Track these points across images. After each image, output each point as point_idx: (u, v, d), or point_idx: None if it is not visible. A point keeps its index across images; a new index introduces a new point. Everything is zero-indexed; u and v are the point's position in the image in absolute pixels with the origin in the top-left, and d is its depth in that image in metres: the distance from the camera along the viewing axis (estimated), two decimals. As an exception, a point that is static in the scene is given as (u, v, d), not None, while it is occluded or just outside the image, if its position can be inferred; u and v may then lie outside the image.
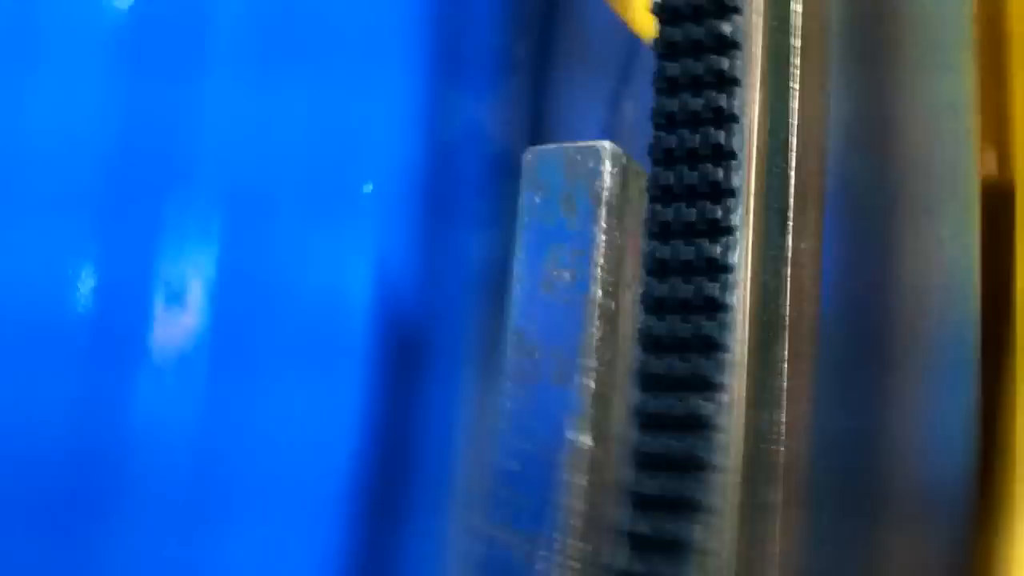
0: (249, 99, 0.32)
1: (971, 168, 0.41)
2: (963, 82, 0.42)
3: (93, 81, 0.29)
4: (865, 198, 0.44)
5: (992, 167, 0.41)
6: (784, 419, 0.32)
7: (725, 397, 0.30)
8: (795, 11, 0.35)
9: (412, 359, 0.36)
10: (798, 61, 0.34)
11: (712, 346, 0.30)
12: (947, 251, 0.41)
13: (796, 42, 0.35)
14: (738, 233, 0.31)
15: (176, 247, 0.30)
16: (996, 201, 0.40)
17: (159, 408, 0.30)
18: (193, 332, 0.31)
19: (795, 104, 0.34)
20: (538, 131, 0.46)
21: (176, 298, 0.30)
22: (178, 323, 0.30)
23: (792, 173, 0.34)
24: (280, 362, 0.33)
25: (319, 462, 0.34)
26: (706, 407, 0.30)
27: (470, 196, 0.38)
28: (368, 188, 0.34)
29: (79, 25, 0.29)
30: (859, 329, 0.42)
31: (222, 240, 0.31)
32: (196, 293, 0.30)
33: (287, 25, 0.33)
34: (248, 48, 0.32)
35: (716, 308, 0.30)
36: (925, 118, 0.43)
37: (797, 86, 0.34)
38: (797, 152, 0.34)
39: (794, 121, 0.34)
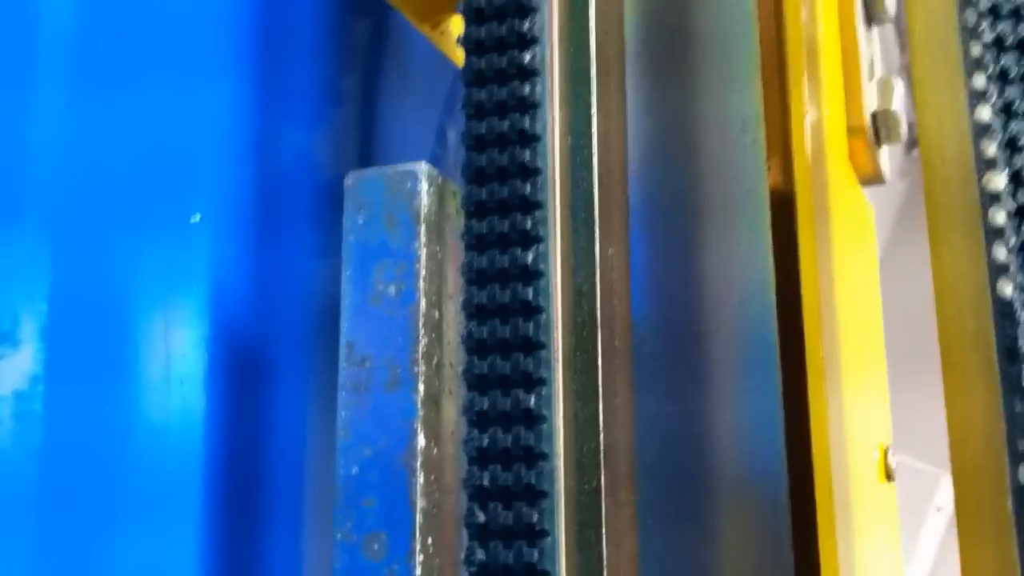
0: (74, 133, 0.33)
1: (760, 177, 0.45)
2: (751, 97, 0.46)
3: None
4: (668, 206, 0.47)
5: (777, 176, 0.45)
6: (602, 409, 0.35)
7: (545, 390, 0.33)
8: (591, 40, 0.38)
9: (252, 380, 0.38)
10: (595, 85, 0.38)
11: (530, 345, 0.33)
12: (743, 251, 0.45)
13: (593, 68, 0.38)
14: (548, 241, 0.34)
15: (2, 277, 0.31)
16: (782, 208, 0.44)
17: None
18: (22, 359, 0.31)
19: (595, 123, 0.37)
20: (368, 159, 0.48)
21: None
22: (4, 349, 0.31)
23: (596, 186, 0.37)
24: (112, 388, 0.34)
25: (167, 486, 0.35)
26: (528, 400, 0.32)
27: (301, 222, 0.39)
28: (196, 218, 0.36)
29: None
30: (671, 325, 0.46)
31: (51, 271, 0.32)
32: (24, 322, 0.31)
33: (112, 60, 0.34)
34: (72, 85, 0.33)
35: (532, 310, 0.33)
36: (719, 131, 0.47)
37: (595, 108, 0.37)
38: (600, 167, 0.37)
39: (595, 139, 0.37)
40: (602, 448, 0.35)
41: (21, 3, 0.32)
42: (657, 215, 0.47)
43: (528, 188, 0.34)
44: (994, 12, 0.34)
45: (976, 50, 0.33)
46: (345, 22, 0.47)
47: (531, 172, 0.34)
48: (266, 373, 0.38)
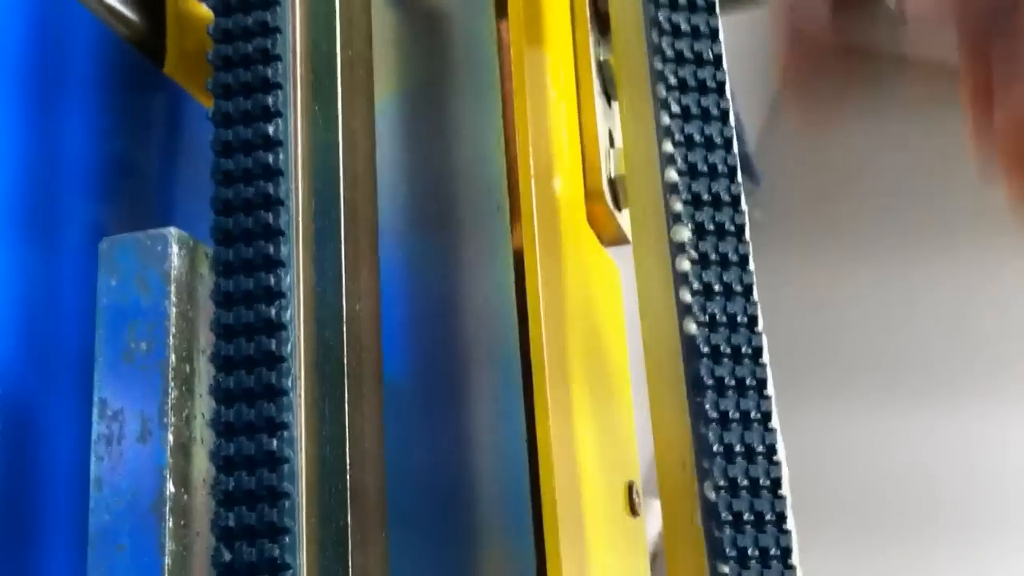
0: None
1: (505, 238, 0.50)
2: (495, 167, 0.51)
3: None
4: (426, 265, 0.51)
5: (519, 237, 0.50)
6: (349, 452, 0.38)
7: (287, 434, 0.35)
8: (338, 112, 0.41)
9: (16, 433, 0.39)
10: (341, 154, 0.41)
11: (274, 391, 0.35)
12: (491, 306, 0.49)
13: (339, 138, 0.41)
14: (291, 297, 0.37)
15: None
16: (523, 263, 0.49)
17: None
18: None
19: (342, 187, 0.41)
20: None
21: None
22: None
23: (343, 245, 0.40)
24: None
25: None
26: (271, 443, 0.35)
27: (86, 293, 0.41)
28: None
29: None
30: (427, 375, 0.49)
31: None
32: None
33: None
34: None
35: (275, 360, 0.36)
36: (468, 198, 0.51)
37: (342, 171, 0.41)
38: (346, 228, 0.40)
39: (342, 203, 0.40)
40: (349, 488, 0.38)
41: None
42: (413, 272, 0.50)
43: (271, 248, 0.37)
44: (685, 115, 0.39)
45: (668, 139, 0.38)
46: (132, 97, 0.49)
47: (275, 233, 0.37)
48: (38, 429, 0.39)
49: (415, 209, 0.52)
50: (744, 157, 0.41)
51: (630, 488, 0.57)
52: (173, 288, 0.36)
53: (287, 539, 0.34)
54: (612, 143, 0.60)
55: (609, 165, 0.58)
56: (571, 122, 0.56)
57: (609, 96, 0.61)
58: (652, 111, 0.40)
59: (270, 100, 0.38)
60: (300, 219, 0.38)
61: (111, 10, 0.48)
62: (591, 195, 0.56)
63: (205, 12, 0.54)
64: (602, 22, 0.61)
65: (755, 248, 0.39)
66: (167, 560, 0.35)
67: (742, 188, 0.40)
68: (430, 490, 0.48)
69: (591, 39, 0.58)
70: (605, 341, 0.57)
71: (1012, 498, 1.97)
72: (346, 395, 0.39)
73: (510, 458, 0.48)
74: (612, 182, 0.58)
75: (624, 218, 0.60)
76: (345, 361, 0.39)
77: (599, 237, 0.58)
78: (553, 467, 0.42)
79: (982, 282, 2.13)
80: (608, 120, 0.60)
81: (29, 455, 0.39)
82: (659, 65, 0.40)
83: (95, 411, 0.36)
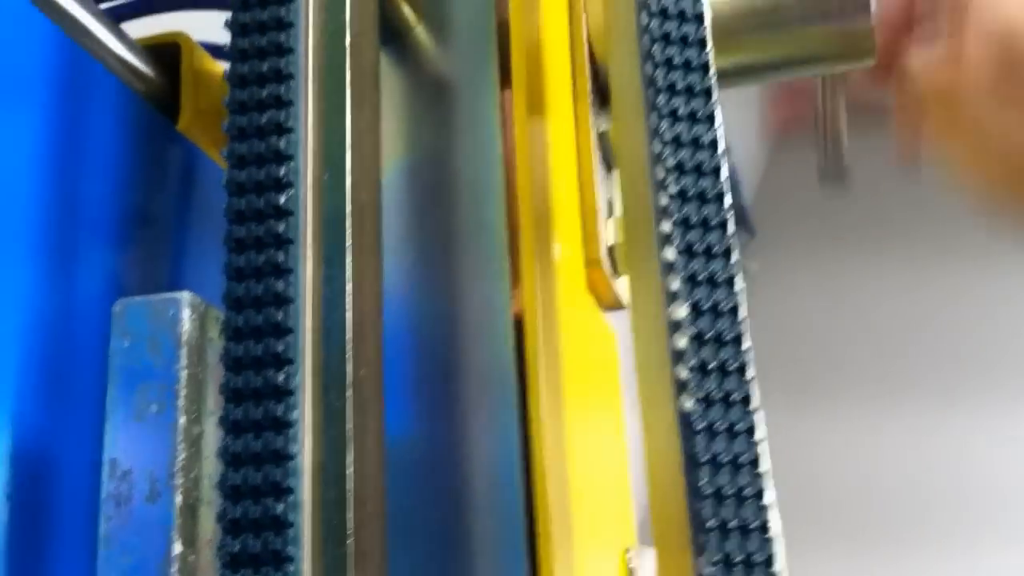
0: None
1: (505, 302, 0.51)
2: (497, 235, 0.52)
3: None
4: (429, 331, 0.52)
5: (519, 304, 0.51)
6: (352, 517, 0.39)
7: (292, 498, 0.36)
8: (347, 183, 0.43)
9: (34, 495, 0.39)
10: (349, 223, 0.42)
11: (280, 456, 0.36)
12: (492, 374, 0.50)
13: (347, 206, 0.43)
14: (299, 363, 0.38)
15: None
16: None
17: None
18: None
19: (349, 256, 0.42)
20: (175, 283, 0.50)
21: None
22: None
23: (348, 312, 0.41)
24: None
25: None
26: (277, 508, 0.36)
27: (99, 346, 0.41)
28: None
29: None
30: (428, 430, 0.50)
31: None
32: None
33: None
34: None
35: (282, 425, 0.37)
36: (471, 264, 0.53)
37: (349, 241, 0.42)
38: (353, 295, 0.41)
39: (348, 269, 0.42)
40: (352, 552, 0.39)
41: None
42: (416, 338, 0.52)
43: (281, 315, 0.38)
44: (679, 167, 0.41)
45: (664, 199, 0.40)
46: (148, 153, 0.50)
47: (284, 301, 0.38)
48: (55, 488, 0.40)
49: (419, 274, 0.54)
50: (739, 210, 0.42)
51: (624, 551, 0.57)
52: (184, 352, 0.37)
53: (290, 601, 0.35)
54: (611, 212, 0.62)
55: (607, 233, 0.59)
56: (571, 190, 0.57)
57: (609, 165, 0.62)
58: (651, 191, 0.41)
59: (282, 171, 0.39)
60: (310, 288, 0.39)
61: (129, 67, 0.50)
62: (590, 262, 0.57)
63: (220, 70, 0.55)
64: (602, 94, 0.62)
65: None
66: (172, 621, 0.35)
67: (738, 260, 0.41)
68: (426, 546, 0.49)
69: (591, 110, 0.59)
70: (603, 402, 0.58)
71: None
72: (349, 457, 0.40)
73: (508, 527, 0.48)
74: (611, 250, 0.59)
75: (621, 284, 0.61)
76: (350, 425, 0.40)
77: (598, 302, 0.59)
78: (552, 539, 0.43)
79: (974, 291, 2.18)
80: (607, 189, 0.62)
81: (44, 508, 0.40)
82: (657, 147, 0.41)
83: (105, 470, 0.37)
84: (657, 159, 0.40)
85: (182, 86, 0.53)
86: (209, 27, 0.58)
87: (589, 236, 0.57)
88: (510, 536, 0.48)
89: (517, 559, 0.47)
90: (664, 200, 0.40)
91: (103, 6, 0.53)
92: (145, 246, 0.49)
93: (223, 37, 0.53)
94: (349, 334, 0.41)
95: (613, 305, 0.62)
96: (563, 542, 0.44)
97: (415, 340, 0.52)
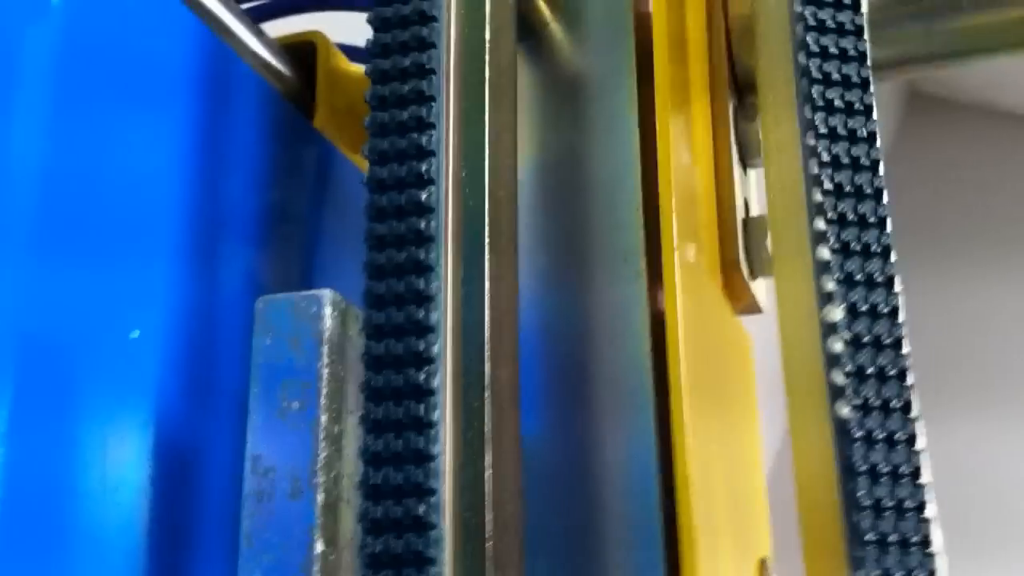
0: (32, 258, 0.35)
1: (642, 305, 0.50)
2: (633, 235, 0.51)
3: None
4: (560, 329, 0.51)
5: (659, 304, 0.50)
6: (492, 517, 0.38)
7: (434, 499, 0.35)
8: (485, 181, 0.42)
9: (184, 488, 0.40)
10: (487, 221, 0.42)
11: (421, 457, 0.36)
12: (626, 382, 0.49)
13: (485, 203, 0.42)
14: (439, 362, 0.37)
15: None
16: (662, 332, 0.48)
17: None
18: None
19: (486, 255, 0.41)
20: (309, 281, 0.51)
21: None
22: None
23: (487, 312, 0.40)
24: (52, 493, 0.35)
25: None
26: (418, 508, 0.35)
27: (240, 340, 0.42)
28: (135, 334, 0.38)
29: None
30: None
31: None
32: None
33: (68, 218, 0.37)
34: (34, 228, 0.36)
35: (423, 425, 0.36)
36: (606, 264, 0.51)
37: (487, 241, 0.41)
38: (490, 294, 0.41)
39: (487, 269, 0.41)
40: (491, 556, 0.38)
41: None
42: (548, 337, 0.51)
43: (422, 314, 0.37)
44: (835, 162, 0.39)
45: (818, 196, 0.38)
46: (287, 150, 0.51)
47: (425, 299, 0.37)
48: (198, 481, 0.40)
49: (552, 274, 0.53)
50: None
51: (762, 565, 0.55)
52: (326, 349, 0.37)
53: (432, 604, 0.34)
54: (748, 211, 0.60)
55: (745, 234, 0.57)
56: (708, 189, 0.55)
57: (744, 164, 0.60)
58: (803, 187, 0.39)
59: (424, 167, 0.39)
60: (449, 285, 0.38)
61: (268, 66, 0.50)
62: (727, 264, 0.55)
63: (355, 70, 0.55)
64: (739, 87, 0.61)
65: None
66: (314, 622, 0.35)
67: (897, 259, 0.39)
68: (563, 550, 0.48)
69: (730, 105, 0.58)
70: (739, 408, 0.56)
71: None
72: (488, 459, 0.39)
73: (644, 533, 0.47)
74: (747, 251, 0.57)
75: (758, 286, 0.59)
76: (489, 426, 0.39)
77: (734, 305, 0.57)
78: (696, 549, 0.41)
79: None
80: (744, 188, 0.60)
81: (189, 504, 0.40)
82: (811, 141, 0.40)
83: (248, 466, 0.37)
84: (812, 153, 0.39)
85: (317, 85, 0.54)
86: (337, 29, 0.59)
87: (726, 237, 0.55)
88: (646, 542, 0.46)
89: (655, 567, 0.45)
90: (818, 196, 0.38)
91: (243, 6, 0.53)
92: (283, 243, 0.49)
93: (353, 38, 0.53)
94: (487, 333, 0.40)
95: (750, 308, 0.60)
96: (707, 552, 0.43)
97: (547, 341, 0.51)
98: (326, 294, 0.38)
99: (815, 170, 0.39)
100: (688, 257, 0.50)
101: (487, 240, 0.41)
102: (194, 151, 0.43)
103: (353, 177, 0.53)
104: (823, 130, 0.39)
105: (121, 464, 0.37)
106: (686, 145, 0.53)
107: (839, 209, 0.38)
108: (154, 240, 0.40)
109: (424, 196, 0.38)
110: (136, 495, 0.38)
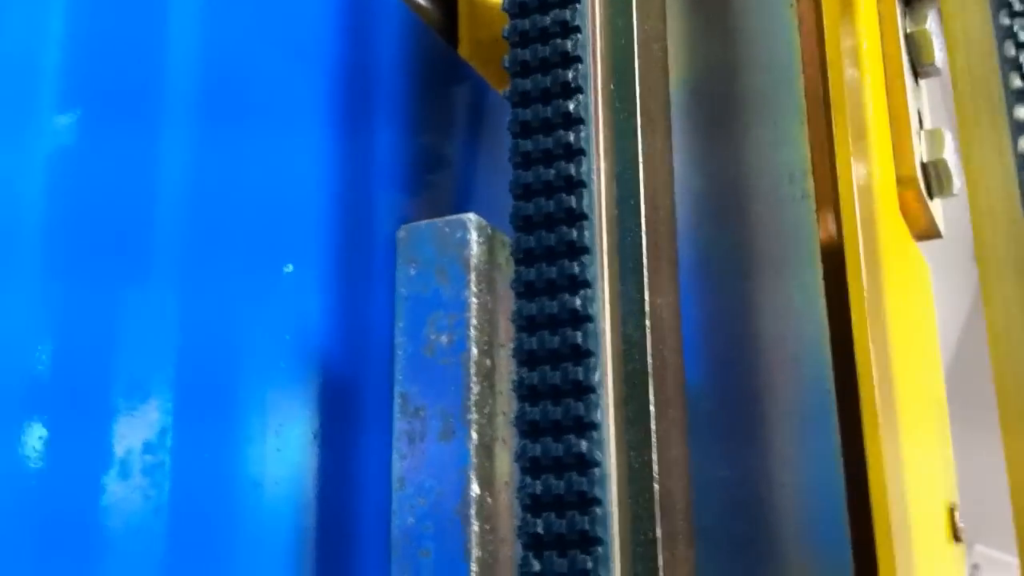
0: (190, 200, 0.34)
1: (811, 229, 0.45)
2: (799, 152, 0.46)
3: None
4: (720, 262, 0.47)
5: (829, 228, 0.45)
6: (657, 459, 0.35)
7: (596, 435, 0.32)
8: (636, 92, 0.38)
9: (343, 427, 0.38)
10: (640, 136, 0.38)
11: (581, 389, 0.33)
12: (797, 308, 0.45)
13: (638, 119, 0.38)
14: (596, 287, 0.34)
15: (128, 323, 0.31)
16: (834, 258, 0.44)
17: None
18: (150, 410, 0.31)
19: (641, 172, 0.37)
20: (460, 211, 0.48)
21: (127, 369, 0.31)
22: (129, 392, 0.31)
23: (644, 234, 0.37)
24: (219, 439, 0.34)
25: (265, 537, 0.35)
26: (581, 445, 0.32)
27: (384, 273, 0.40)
28: (289, 268, 0.37)
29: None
30: (725, 385, 0.45)
31: (171, 323, 0.32)
32: (152, 373, 0.32)
33: (226, 153, 0.36)
34: (189, 147, 0.34)
35: (581, 355, 0.33)
36: (768, 185, 0.47)
37: (641, 158, 0.38)
38: (647, 215, 0.37)
39: (642, 189, 0.37)
40: (657, 498, 0.35)
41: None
42: (709, 272, 0.47)
43: (575, 233, 0.34)
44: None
45: (1017, 82, 0.33)
46: (439, 88, 0.48)
47: (578, 217, 0.34)
48: (356, 420, 0.38)
49: (707, 200, 0.49)
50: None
51: (951, 512, 0.51)
52: (473, 277, 0.34)
53: (599, 550, 0.31)
54: (922, 124, 0.54)
55: (921, 148, 0.52)
56: (879, 102, 0.50)
57: (917, 73, 0.55)
58: (999, 72, 0.34)
59: (570, 75, 0.35)
60: (603, 203, 0.35)
61: (408, -1, 0.48)
62: (903, 181, 0.50)
63: (495, 1, 0.53)
64: (905, -9, 0.55)
65: None
66: (473, 567, 0.32)
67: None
68: (731, 502, 0.44)
69: (898, 10, 0.52)
70: (920, 350, 0.51)
71: None
72: (651, 396, 0.35)
73: (821, 472, 0.43)
74: (924, 167, 0.52)
75: (936, 207, 0.54)
76: (649, 359, 0.36)
77: (910, 228, 0.52)
78: (885, 488, 0.37)
79: None
80: (917, 100, 0.55)
81: (350, 446, 0.38)
82: (1005, 21, 0.35)
83: (396, 406, 0.34)
84: (1007, 33, 0.34)
85: (459, 17, 0.51)
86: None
87: (901, 151, 0.50)
88: (829, 521, 0.42)
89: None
90: (1018, 82, 0.34)
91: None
92: (432, 174, 0.47)
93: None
94: (645, 256, 0.37)
95: (926, 232, 0.55)
96: (902, 545, 0.39)
97: (705, 274, 0.48)
98: (471, 218, 0.35)
99: (1011, 52, 0.34)
100: (864, 175, 0.45)
101: (640, 158, 0.38)
102: (342, 80, 0.41)
103: (502, 109, 0.50)
104: (1018, 7, 0.34)
105: (279, 404, 0.35)
106: (854, 54, 0.48)
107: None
108: (306, 172, 0.38)
109: (572, 105, 0.35)
110: (299, 434, 0.36)
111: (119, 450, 0.30)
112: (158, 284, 0.32)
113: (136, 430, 0.31)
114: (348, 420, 0.37)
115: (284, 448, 0.35)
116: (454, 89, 0.49)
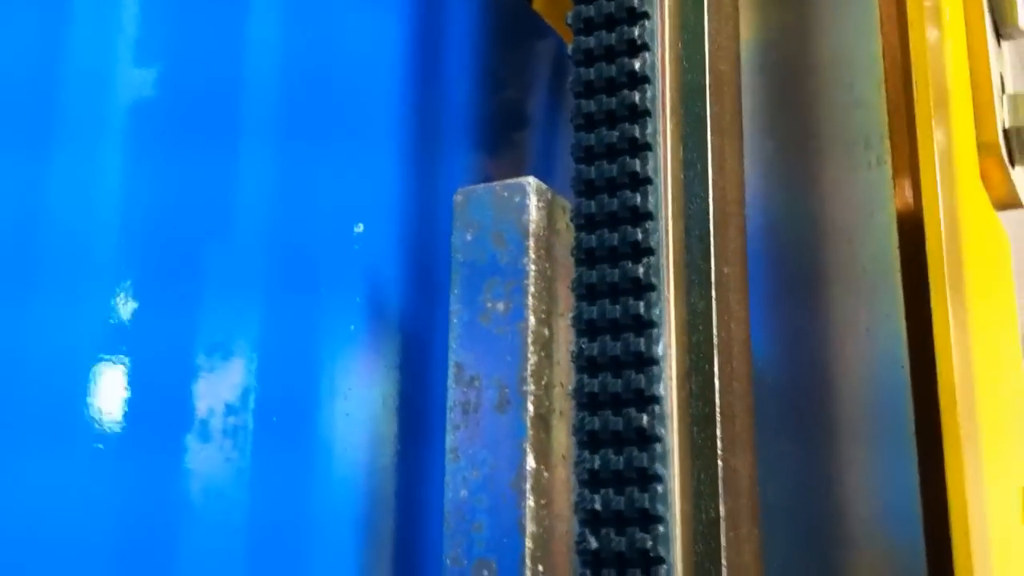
0: (271, 169, 0.34)
1: (887, 197, 0.43)
2: (875, 115, 0.44)
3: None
4: (788, 232, 0.46)
5: (906, 195, 0.43)
6: (721, 434, 0.33)
7: (658, 409, 0.31)
8: (705, 51, 0.37)
9: (408, 391, 0.37)
10: (709, 97, 0.36)
11: (643, 361, 0.31)
12: (868, 275, 0.43)
13: (707, 79, 0.37)
14: (660, 254, 0.32)
15: (218, 294, 0.31)
16: (910, 228, 0.42)
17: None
18: (233, 371, 0.31)
19: (709, 137, 0.36)
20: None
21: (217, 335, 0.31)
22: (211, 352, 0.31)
23: (711, 200, 0.35)
24: (294, 401, 0.33)
25: (334, 500, 0.34)
26: (641, 419, 0.31)
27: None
28: (359, 228, 0.36)
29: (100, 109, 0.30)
30: (794, 364, 0.44)
31: (252, 283, 0.32)
32: (234, 334, 0.31)
33: (298, 111, 0.35)
34: (269, 132, 0.34)
35: (644, 325, 0.32)
36: (841, 150, 0.45)
37: (708, 120, 0.36)
38: (714, 180, 0.35)
39: (709, 153, 0.36)
40: (721, 476, 0.33)
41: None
42: (774, 240, 0.45)
43: (638, 198, 0.32)
44: None
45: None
46: (519, 48, 0.47)
47: (642, 182, 0.33)
48: (423, 381, 0.38)
49: (776, 165, 0.47)
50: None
51: (1028, 491, 0.49)
52: (531, 243, 0.33)
53: (660, 528, 0.30)
54: (1003, 88, 0.52)
55: (1003, 113, 0.50)
56: (959, 65, 0.48)
57: (999, 35, 0.52)
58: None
59: (636, 31, 0.34)
60: (669, 166, 0.33)
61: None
62: (984, 147, 0.48)
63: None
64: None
65: None
66: (528, 543, 0.31)
67: None
68: (799, 481, 0.43)
69: (982, -32, 0.50)
70: (999, 324, 0.49)
71: None
72: (715, 369, 0.34)
73: (894, 451, 0.41)
74: (1007, 133, 0.50)
75: (1018, 175, 0.51)
76: (715, 331, 0.34)
77: (991, 197, 0.50)
78: (964, 474, 0.35)
79: None
80: (999, 63, 0.52)
81: (418, 414, 0.37)
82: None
83: (451, 375, 0.33)
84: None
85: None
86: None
87: (982, 116, 0.48)
88: (903, 506, 0.40)
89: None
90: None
91: None
92: (505, 132, 0.46)
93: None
94: (712, 224, 0.35)
95: (1006, 201, 0.52)
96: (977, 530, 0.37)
97: (774, 240, 0.46)
98: (530, 182, 0.33)
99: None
100: (944, 140, 0.43)
101: (708, 118, 0.36)
102: (416, 36, 0.40)
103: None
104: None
105: (347, 365, 0.35)
106: (935, 13, 0.45)
107: None
108: (378, 132, 0.37)
109: (638, 65, 0.34)
110: (368, 399, 0.35)
111: (201, 410, 0.30)
112: (239, 246, 0.32)
113: (218, 391, 0.31)
114: (416, 386, 0.36)
115: (352, 413, 0.35)
116: (529, 44, 0.48)
